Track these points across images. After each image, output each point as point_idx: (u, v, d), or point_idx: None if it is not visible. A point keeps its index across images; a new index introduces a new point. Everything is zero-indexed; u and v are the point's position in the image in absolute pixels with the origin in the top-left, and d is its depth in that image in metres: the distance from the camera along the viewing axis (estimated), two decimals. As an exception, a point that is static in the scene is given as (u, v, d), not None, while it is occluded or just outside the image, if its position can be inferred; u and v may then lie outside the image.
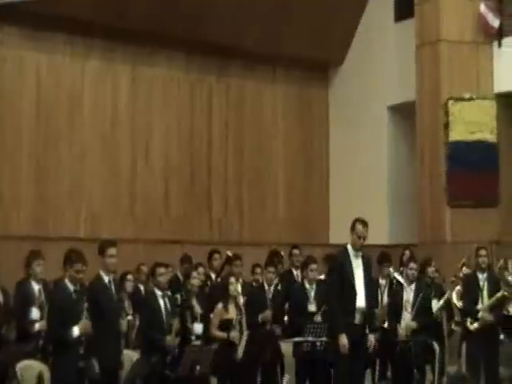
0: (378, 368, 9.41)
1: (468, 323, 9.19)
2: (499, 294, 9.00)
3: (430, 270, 10.01)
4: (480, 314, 9.06)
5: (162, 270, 8.37)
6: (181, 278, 10.07)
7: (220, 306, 8.79)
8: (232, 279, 8.92)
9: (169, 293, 8.47)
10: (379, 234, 13.29)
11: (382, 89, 13.37)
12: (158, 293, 8.25)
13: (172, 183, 13.03)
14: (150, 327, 8.12)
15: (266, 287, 9.52)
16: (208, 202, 13.39)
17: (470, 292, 9.33)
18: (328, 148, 14.55)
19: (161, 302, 8.21)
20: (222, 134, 13.57)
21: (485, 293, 9.20)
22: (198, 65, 13.24)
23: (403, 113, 13.13)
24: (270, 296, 9.46)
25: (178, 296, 8.64)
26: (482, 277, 9.32)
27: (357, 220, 7.96)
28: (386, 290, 9.95)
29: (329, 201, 14.49)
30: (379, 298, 9.93)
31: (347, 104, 14.15)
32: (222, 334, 8.63)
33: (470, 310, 9.24)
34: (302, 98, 14.36)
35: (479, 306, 9.15)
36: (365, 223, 7.90)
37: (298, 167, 14.30)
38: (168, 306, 8.22)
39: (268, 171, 14.01)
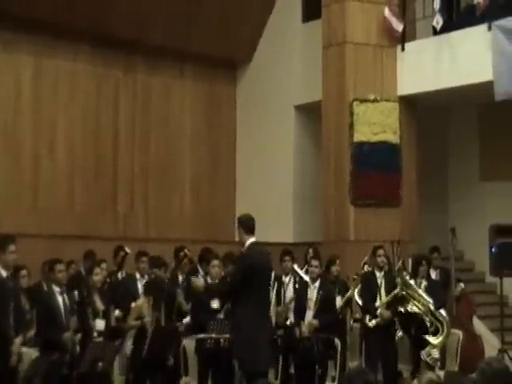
0: (280, 364, 9.51)
1: (367, 320, 9.40)
2: (395, 292, 9.26)
3: (334, 268, 10.19)
4: (378, 311, 9.28)
5: (61, 266, 8.27)
6: (83, 273, 9.97)
7: (142, 300, 8.89)
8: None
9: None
10: (284, 233, 13.47)
11: (289, 88, 13.50)
12: (56, 289, 8.15)
13: (77, 177, 12.82)
14: (47, 324, 8.02)
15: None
16: (113, 198, 13.24)
17: (369, 290, 9.55)
18: (235, 146, 14.60)
19: (59, 298, 8.12)
20: (129, 129, 13.43)
21: (382, 291, 9.43)
22: (104, 58, 13.03)
23: (309, 112, 13.30)
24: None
25: (76, 293, 8.54)
26: (379, 275, 9.56)
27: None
28: (290, 286, 10.07)
29: (235, 198, 14.55)
30: (281, 295, 10.06)
31: (255, 102, 14.23)
32: (137, 323, 8.74)
33: (368, 307, 9.45)
34: (209, 96, 14.36)
35: (377, 304, 9.37)
36: None
37: (205, 164, 14.30)
38: (66, 302, 8.14)
39: (175, 168, 13.96)
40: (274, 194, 13.69)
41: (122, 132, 13.35)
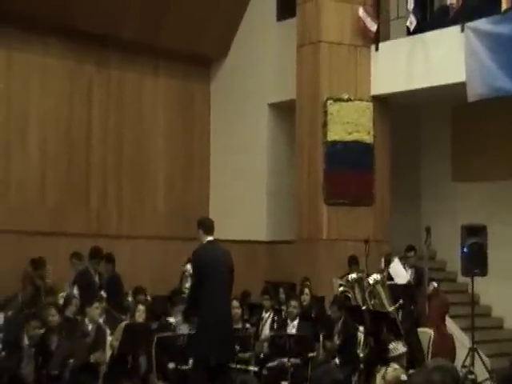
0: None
1: None
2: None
3: (303, 297, 10.30)
4: None
5: None
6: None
7: None
8: None
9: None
10: (258, 230, 13.48)
11: (263, 86, 13.49)
12: None
13: (49, 173, 12.72)
14: None
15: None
16: (86, 193, 13.16)
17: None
18: (209, 143, 14.57)
19: None
20: (102, 125, 13.34)
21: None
22: (76, 53, 12.92)
23: (284, 111, 13.30)
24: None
25: None
26: None
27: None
28: (267, 325, 10.12)
29: (209, 196, 14.53)
30: (259, 329, 10.19)
31: (229, 100, 14.21)
32: None
33: None
34: (184, 92, 14.31)
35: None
36: None
37: (179, 161, 14.25)
38: None
39: (148, 164, 13.90)
40: (247, 191, 13.69)
41: (96, 127, 13.27)
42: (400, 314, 9.19)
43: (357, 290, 9.47)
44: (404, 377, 7.51)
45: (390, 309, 8.77)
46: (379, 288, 8.99)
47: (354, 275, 9.76)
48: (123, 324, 8.93)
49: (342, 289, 9.65)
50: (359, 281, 9.47)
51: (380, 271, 9.76)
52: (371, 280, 9.06)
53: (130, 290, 10.93)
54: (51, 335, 8.27)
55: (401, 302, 8.97)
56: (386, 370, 7.71)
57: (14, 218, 12.09)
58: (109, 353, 8.65)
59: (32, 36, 12.42)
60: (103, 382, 8.47)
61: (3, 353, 8.00)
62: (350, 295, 9.46)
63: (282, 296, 10.92)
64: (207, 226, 7.97)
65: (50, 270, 10.72)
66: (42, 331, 8.15)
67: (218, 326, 7.62)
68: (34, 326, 8.10)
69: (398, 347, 8.26)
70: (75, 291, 10.24)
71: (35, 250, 11.35)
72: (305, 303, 10.22)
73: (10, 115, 12.35)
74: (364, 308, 9.20)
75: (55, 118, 12.80)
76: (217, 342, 7.59)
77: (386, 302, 8.90)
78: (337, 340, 9.31)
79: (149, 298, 10.76)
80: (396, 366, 7.75)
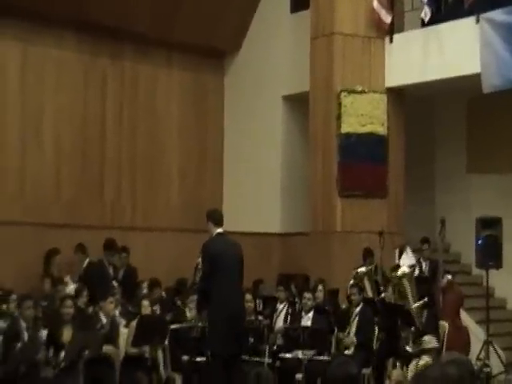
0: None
1: None
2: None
3: (317, 294, 10.19)
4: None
5: None
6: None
7: None
8: None
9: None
10: (272, 222, 13.48)
11: (277, 78, 13.47)
12: None
13: (64, 166, 12.73)
14: None
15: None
16: (100, 187, 13.16)
17: None
18: (223, 135, 14.55)
19: None
20: (116, 118, 13.33)
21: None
22: (90, 46, 12.90)
23: (297, 103, 13.28)
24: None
25: None
26: None
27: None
28: (282, 315, 10.10)
29: (222, 188, 14.53)
30: (272, 320, 10.21)
31: (242, 92, 14.20)
32: None
33: None
34: (197, 85, 14.28)
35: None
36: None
37: (193, 153, 14.25)
38: None
39: (162, 156, 13.90)
40: (261, 183, 13.69)
41: (109, 120, 13.26)
42: (425, 314, 9.14)
43: (367, 283, 9.50)
44: (410, 376, 7.50)
45: (414, 306, 8.72)
46: (405, 282, 8.95)
47: (362, 269, 9.80)
48: (134, 323, 8.93)
49: (352, 282, 9.67)
50: (368, 274, 9.48)
51: (410, 266, 9.70)
52: (399, 272, 9.03)
53: (145, 281, 10.96)
54: (63, 326, 8.30)
55: (426, 299, 8.93)
56: (418, 362, 7.70)
57: (29, 213, 12.06)
58: (123, 350, 8.69)
59: (47, 29, 12.40)
60: (120, 374, 8.51)
61: (19, 344, 8.03)
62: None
63: (294, 290, 10.92)
64: (216, 218, 8.03)
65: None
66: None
67: (229, 319, 7.64)
68: (26, 306, 8.12)
69: (431, 341, 8.21)
70: (72, 286, 10.33)
71: (50, 243, 11.43)
72: (318, 300, 10.19)
73: (25, 109, 12.34)
74: (376, 300, 9.25)
75: (70, 112, 12.80)
76: (229, 335, 7.61)
77: (410, 297, 8.88)
78: (354, 324, 9.25)
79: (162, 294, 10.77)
80: (427, 359, 7.71)
